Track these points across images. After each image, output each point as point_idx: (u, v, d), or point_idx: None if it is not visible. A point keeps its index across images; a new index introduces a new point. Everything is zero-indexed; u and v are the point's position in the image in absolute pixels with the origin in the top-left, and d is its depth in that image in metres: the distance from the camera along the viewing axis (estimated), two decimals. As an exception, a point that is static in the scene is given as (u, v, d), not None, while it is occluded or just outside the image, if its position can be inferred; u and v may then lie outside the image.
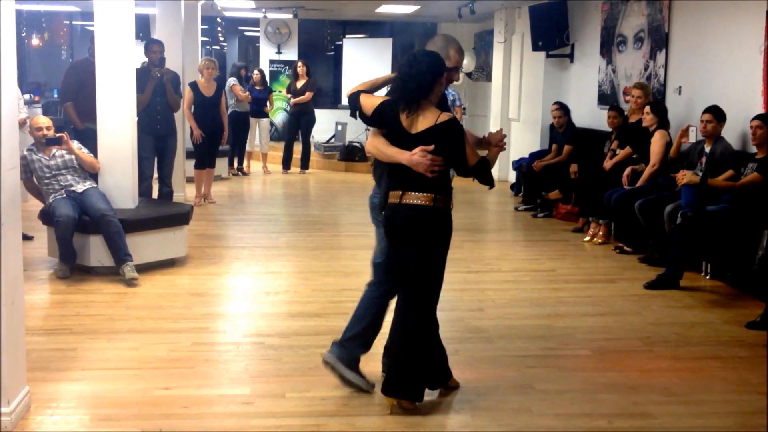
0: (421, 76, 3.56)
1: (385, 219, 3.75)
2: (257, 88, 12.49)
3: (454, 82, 4.05)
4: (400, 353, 3.71)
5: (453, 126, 3.58)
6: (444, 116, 3.58)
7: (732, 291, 6.11)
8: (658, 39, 8.49)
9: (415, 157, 3.54)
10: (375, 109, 3.71)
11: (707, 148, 6.64)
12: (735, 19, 7.14)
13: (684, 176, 6.27)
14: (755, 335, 5.04)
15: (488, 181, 3.73)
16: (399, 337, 3.73)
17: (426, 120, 3.59)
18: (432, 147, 3.53)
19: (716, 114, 6.57)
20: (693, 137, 7.05)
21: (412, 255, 3.66)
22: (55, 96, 14.11)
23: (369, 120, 3.76)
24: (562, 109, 9.39)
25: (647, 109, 7.51)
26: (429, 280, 3.70)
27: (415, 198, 3.61)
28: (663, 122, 7.41)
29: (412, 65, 3.58)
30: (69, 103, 7.75)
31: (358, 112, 3.81)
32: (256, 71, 12.89)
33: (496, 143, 3.85)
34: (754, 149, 6.17)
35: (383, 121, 3.70)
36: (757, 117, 6.08)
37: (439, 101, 3.70)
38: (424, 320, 3.71)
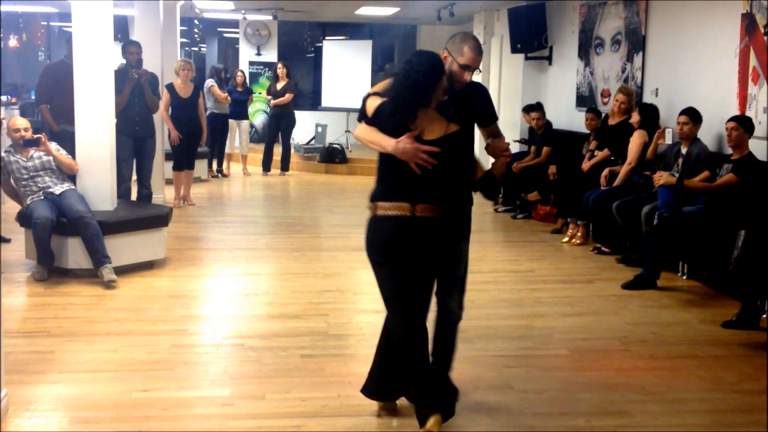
0: (417, 85, 3.39)
1: (389, 232, 3.47)
2: (238, 89, 12.46)
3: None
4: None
5: (463, 137, 3.45)
6: (453, 127, 3.44)
7: (708, 291, 6.18)
8: (635, 41, 8.57)
9: (402, 144, 3.34)
10: (375, 110, 3.52)
11: (683, 150, 6.71)
12: (711, 22, 7.22)
13: (661, 177, 6.34)
14: (731, 334, 5.10)
15: (494, 195, 3.66)
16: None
17: (433, 131, 3.41)
18: (437, 149, 3.35)
19: (692, 116, 6.64)
20: (669, 139, 7.12)
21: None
22: (32, 97, 14.02)
23: (369, 120, 3.55)
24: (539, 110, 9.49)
25: (637, 110, 7.59)
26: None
27: (429, 211, 3.40)
28: (648, 123, 7.41)
29: (409, 75, 3.40)
30: (44, 105, 7.71)
31: (359, 113, 3.64)
32: (239, 72, 12.85)
33: (501, 153, 3.67)
34: (729, 150, 6.23)
35: (380, 122, 3.49)
36: (733, 119, 6.15)
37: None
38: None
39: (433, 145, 3.36)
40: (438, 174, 3.39)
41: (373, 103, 3.56)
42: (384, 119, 3.46)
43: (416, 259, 3.46)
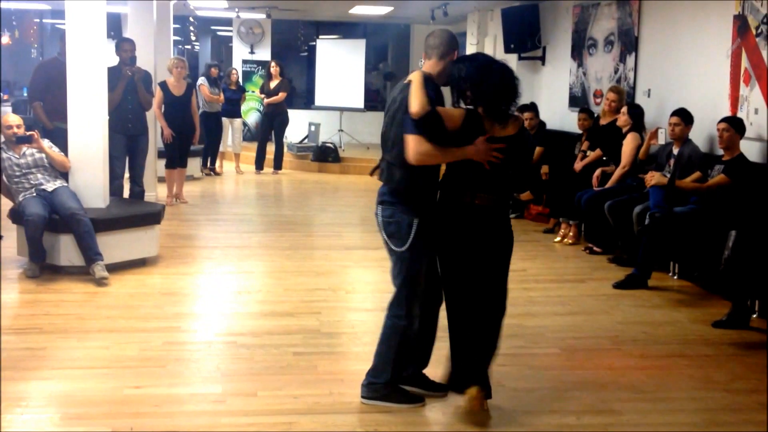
0: (514, 89, 3.64)
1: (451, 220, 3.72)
2: (232, 88, 12.45)
3: None
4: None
5: (529, 133, 3.66)
6: (522, 119, 3.71)
7: (699, 291, 6.21)
8: (628, 42, 8.60)
9: (478, 146, 3.55)
10: (464, 121, 3.60)
11: (675, 150, 6.74)
12: (703, 24, 7.25)
13: (652, 178, 6.36)
14: (721, 334, 5.13)
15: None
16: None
17: (507, 127, 3.63)
18: (503, 146, 3.57)
19: (684, 117, 6.67)
20: (662, 139, 7.14)
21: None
22: (25, 94, 14.01)
23: (456, 132, 3.58)
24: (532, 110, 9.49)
25: (624, 109, 7.60)
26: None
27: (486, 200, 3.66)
28: (637, 125, 7.47)
29: (513, 77, 3.62)
30: (37, 102, 7.69)
31: (423, 127, 3.50)
32: (232, 71, 12.82)
33: None
34: (721, 151, 6.26)
35: (472, 131, 3.59)
36: (724, 120, 6.18)
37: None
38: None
39: (509, 142, 3.59)
40: (502, 167, 3.62)
41: (452, 113, 3.62)
42: (475, 129, 3.60)
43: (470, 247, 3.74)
